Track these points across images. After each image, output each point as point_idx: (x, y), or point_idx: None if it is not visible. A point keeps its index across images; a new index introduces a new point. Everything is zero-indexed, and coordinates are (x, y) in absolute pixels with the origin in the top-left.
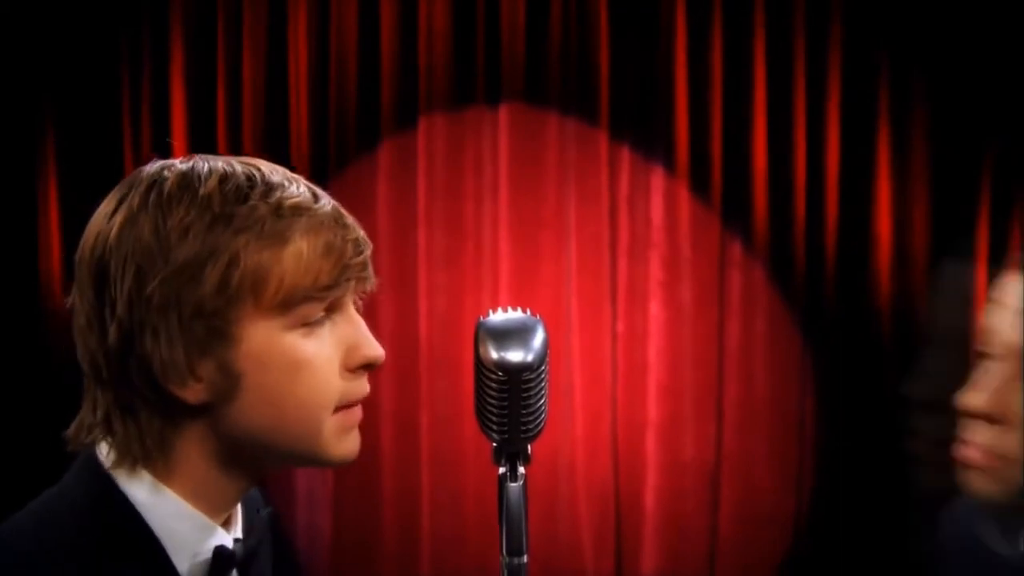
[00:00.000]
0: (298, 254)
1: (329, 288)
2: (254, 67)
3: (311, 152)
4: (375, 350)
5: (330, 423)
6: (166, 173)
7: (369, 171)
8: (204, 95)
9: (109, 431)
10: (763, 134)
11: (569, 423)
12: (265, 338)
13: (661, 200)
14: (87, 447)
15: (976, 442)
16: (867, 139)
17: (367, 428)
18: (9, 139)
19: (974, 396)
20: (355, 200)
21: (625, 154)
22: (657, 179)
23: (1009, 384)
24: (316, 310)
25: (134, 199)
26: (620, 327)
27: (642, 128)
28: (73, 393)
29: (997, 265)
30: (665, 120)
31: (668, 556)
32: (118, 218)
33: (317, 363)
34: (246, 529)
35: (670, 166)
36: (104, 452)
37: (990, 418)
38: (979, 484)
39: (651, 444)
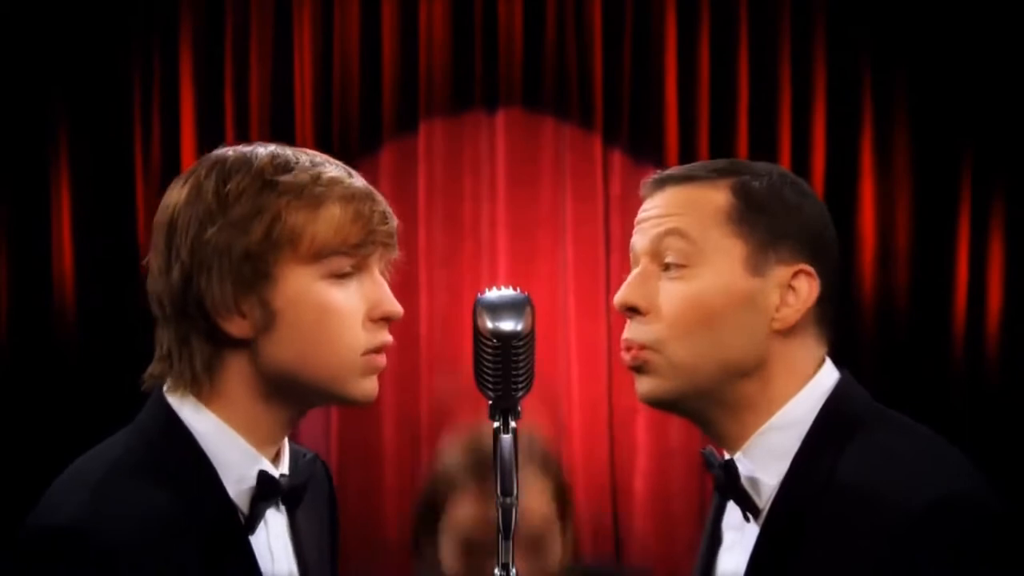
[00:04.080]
0: (331, 216)
1: (356, 247)
2: (260, 73)
3: None
4: (394, 306)
5: (358, 363)
6: (229, 153)
7: (371, 172)
8: (212, 99)
9: (170, 364)
10: (748, 138)
11: (567, 415)
12: (300, 283)
13: None
14: (157, 386)
15: (630, 338)
16: (851, 143)
17: (368, 424)
18: (23, 141)
19: (619, 292)
20: None
21: (618, 157)
22: None
23: (647, 277)
24: (345, 264)
25: (201, 172)
26: (614, 320)
27: (634, 132)
28: (81, 391)
29: (977, 261)
30: (656, 124)
31: (659, 539)
32: (187, 187)
33: (343, 309)
34: (291, 469)
35: (661, 167)
36: (166, 387)
37: (635, 309)
38: (645, 385)
39: (641, 431)
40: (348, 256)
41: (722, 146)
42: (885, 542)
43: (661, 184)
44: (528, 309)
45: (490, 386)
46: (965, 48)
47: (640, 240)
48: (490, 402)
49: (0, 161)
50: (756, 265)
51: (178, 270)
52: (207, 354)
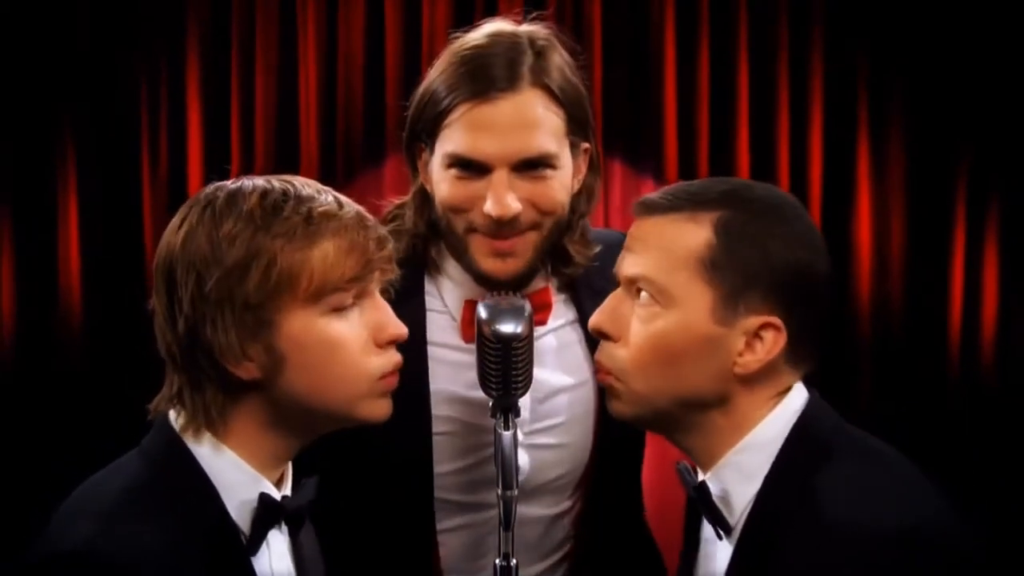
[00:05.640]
0: (325, 254)
1: (355, 280)
2: (266, 87)
3: (320, 167)
4: (399, 328)
5: (374, 388)
6: (218, 193)
7: (375, 184)
8: (219, 114)
9: (181, 403)
10: (747, 150)
11: None
12: (302, 324)
13: None
14: (162, 415)
15: (598, 361)
16: (848, 153)
17: None
18: (31, 155)
19: (593, 315)
20: None
21: (617, 167)
22: (648, 190)
23: (621, 303)
24: (345, 299)
25: (193, 216)
26: None
27: (633, 142)
28: (88, 400)
29: (972, 268)
30: (655, 135)
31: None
32: (181, 233)
33: (348, 341)
34: (294, 490)
35: (660, 178)
36: (174, 418)
37: (604, 334)
38: (612, 405)
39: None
40: (347, 290)
41: (721, 155)
42: (852, 570)
43: (648, 210)
44: (527, 313)
45: (492, 386)
46: (959, 59)
47: (620, 265)
48: (491, 401)
49: (7, 170)
50: (723, 315)
51: (183, 323)
52: (221, 399)
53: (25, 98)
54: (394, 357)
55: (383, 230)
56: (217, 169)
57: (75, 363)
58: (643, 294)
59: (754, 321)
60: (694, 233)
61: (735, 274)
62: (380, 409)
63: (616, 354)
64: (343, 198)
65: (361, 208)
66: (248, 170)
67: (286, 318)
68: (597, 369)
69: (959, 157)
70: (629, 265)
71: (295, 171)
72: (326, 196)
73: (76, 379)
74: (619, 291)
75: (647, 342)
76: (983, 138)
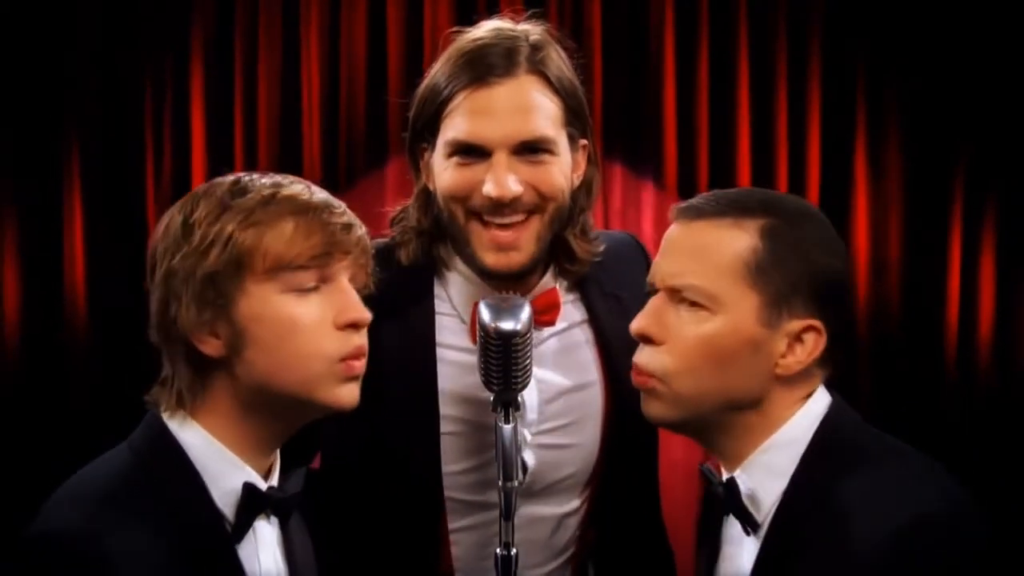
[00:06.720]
0: (281, 233)
1: (314, 259)
2: (269, 89)
3: (323, 168)
4: (360, 312)
5: (333, 370)
6: (205, 184)
7: (377, 186)
8: (222, 115)
9: (164, 384)
10: (747, 153)
11: None
12: (260, 300)
13: (651, 214)
14: (153, 407)
15: (640, 364)
16: (846, 154)
17: None
18: (36, 156)
19: (636, 320)
20: (364, 213)
21: (617, 171)
22: (648, 195)
23: (664, 308)
24: (304, 278)
25: (177, 207)
26: None
27: (633, 147)
28: (93, 401)
29: (969, 271)
30: (655, 139)
31: None
32: (166, 220)
33: (304, 321)
34: (284, 481)
35: (660, 182)
36: (161, 406)
37: (649, 338)
38: (651, 408)
39: None
40: (305, 269)
41: (721, 157)
42: (867, 563)
43: (690, 215)
44: (526, 311)
45: (493, 381)
46: (957, 60)
47: (660, 269)
48: (492, 396)
49: (12, 174)
50: (768, 318)
51: (156, 299)
52: (191, 375)
53: (30, 98)
54: (354, 341)
55: (354, 218)
56: (220, 170)
57: (80, 363)
58: (689, 297)
59: (797, 324)
60: (740, 239)
61: (780, 279)
62: (343, 395)
63: (660, 357)
64: (316, 188)
65: (332, 198)
66: (251, 171)
67: (244, 294)
68: (638, 372)
69: (957, 158)
70: (672, 271)
71: (298, 172)
72: (298, 186)
73: (81, 379)
74: (661, 294)
75: (697, 346)
76: (981, 139)
